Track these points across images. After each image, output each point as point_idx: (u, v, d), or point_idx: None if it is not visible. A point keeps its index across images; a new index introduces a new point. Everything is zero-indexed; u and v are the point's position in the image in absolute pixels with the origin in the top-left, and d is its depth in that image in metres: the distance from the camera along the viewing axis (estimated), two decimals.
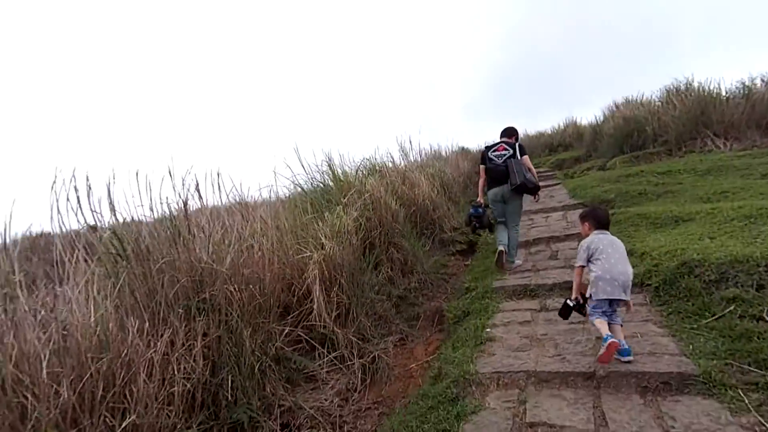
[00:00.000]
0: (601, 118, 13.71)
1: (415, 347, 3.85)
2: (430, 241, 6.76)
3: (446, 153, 11.91)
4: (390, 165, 7.60)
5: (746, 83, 9.31)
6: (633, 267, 3.58)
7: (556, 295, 3.46)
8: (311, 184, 5.59)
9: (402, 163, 8.03)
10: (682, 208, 4.54)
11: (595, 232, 2.61)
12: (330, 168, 5.76)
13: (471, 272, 4.95)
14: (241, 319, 3.10)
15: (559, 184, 9.43)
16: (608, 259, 2.43)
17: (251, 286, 3.33)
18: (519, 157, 4.32)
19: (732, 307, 2.36)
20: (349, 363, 3.59)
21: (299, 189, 5.43)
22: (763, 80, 9.38)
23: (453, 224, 7.30)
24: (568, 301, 2.63)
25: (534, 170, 4.36)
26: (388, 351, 3.81)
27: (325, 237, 4.36)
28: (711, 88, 9.32)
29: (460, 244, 6.70)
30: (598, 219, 2.62)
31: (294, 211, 4.89)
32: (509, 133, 4.62)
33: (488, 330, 3.03)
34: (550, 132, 18.33)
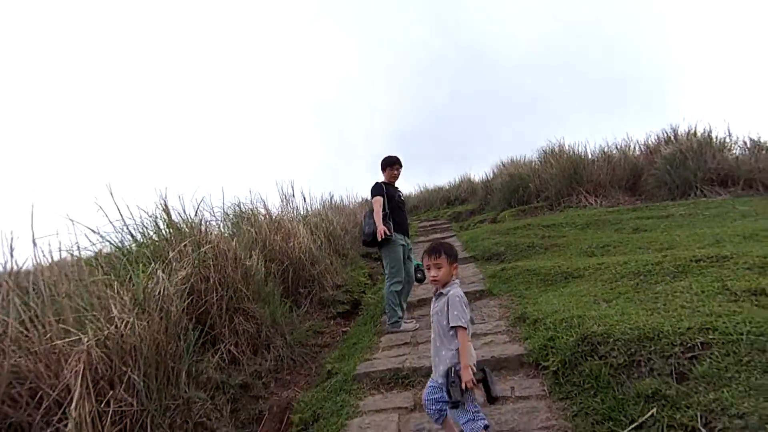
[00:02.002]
0: (491, 175, 14.45)
1: None
2: (307, 301, 5.60)
3: (346, 202, 11.15)
4: (263, 211, 6.45)
5: (605, 149, 10.43)
6: (526, 338, 2.92)
7: None
8: (131, 235, 4.13)
9: (279, 210, 6.93)
10: (570, 262, 4.17)
11: (458, 281, 1.86)
12: (166, 212, 4.38)
13: (342, 345, 3.89)
14: None
15: (454, 236, 9.19)
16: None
17: None
18: None
19: (654, 410, 1.65)
20: None
21: (107, 241, 3.93)
22: (617, 147, 10.61)
23: (336, 281, 6.28)
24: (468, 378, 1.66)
25: (376, 209, 3.67)
26: None
27: (121, 307, 2.99)
28: (579, 150, 10.22)
29: (342, 305, 5.65)
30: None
31: (81, 271, 3.41)
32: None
33: None
34: (447, 187, 18.98)
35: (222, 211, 6.44)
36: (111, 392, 2.50)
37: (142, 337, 2.84)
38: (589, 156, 10.05)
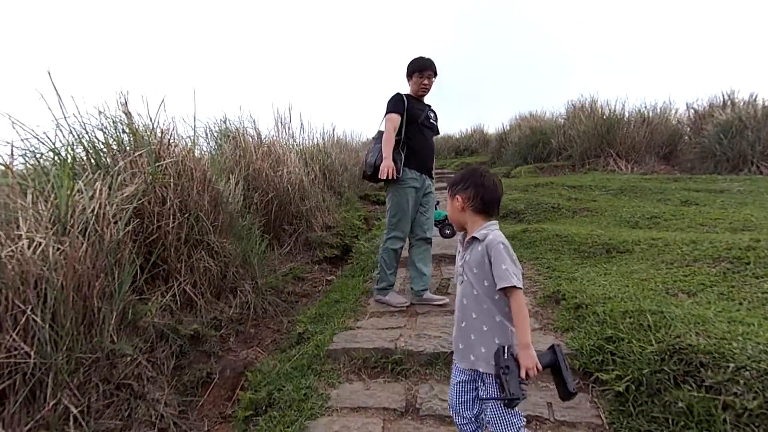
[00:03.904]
0: (508, 127, 13.32)
1: None
2: (291, 240, 4.91)
3: (349, 138, 10.09)
4: (251, 132, 5.53)
5: (642, 110, 9.29)
6: (566, 329, 2.22)
7: (438, 374, 1.86)
8: (78, 138, 3.21)
9: (271, 134, 5.99)
10: (610, 232, 3.39)
11: (495, 223, 1.30)
12: (126, 114, 3.44)
13: (322, 300, 3.21)
14: None
15: None
16: None
17: None
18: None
19: None
20: None
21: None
22: (657, 110, 9.45)
23: (327, 221, 5.55)
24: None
25: (387, 132, 2.62)
26: None
27: (35, 224, 2.26)
28: (616, 108, 9.07)
29: (330, 249, 4.96)
30: (492, 199, 1.31)
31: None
32: None
33: None
34: (457, 136, 17.86)
35: (205, 127, 5.52)
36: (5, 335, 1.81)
37: (57, 266, 2.12)
38: (626, 115, 8.93)
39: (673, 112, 9.28)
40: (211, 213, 3.36)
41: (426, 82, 2.71)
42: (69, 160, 2.93)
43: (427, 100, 2.89)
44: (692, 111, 8.53)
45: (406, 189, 2.64)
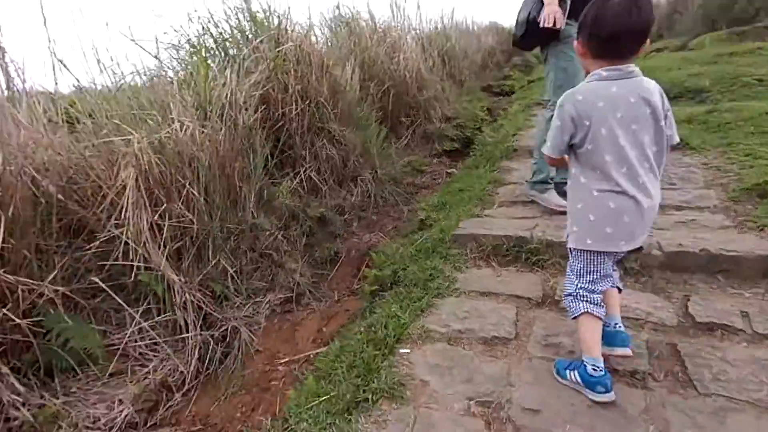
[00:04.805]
0: None
1: (302, 321, 2.16)
2: (408, 133, 4.72)
3: (469, 23, 8.80)
4: (365, 16, 5.10)
5: None
6: None
7: None
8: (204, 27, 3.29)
9: (387, 20, 5.45)
10: None
11: (599, 72, 0.98)
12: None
13: (444, 190, 3.03)
14: None
15: None
16: (617, 156, 0.95)
17: None
18: None
19: None
20: (183, 335, 1.98)
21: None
22: None
23: (447, 112, 5.13)
24: None
25: None
26: (259, 323, 2.14)
27: (182, 109, 2.44)
28: None
29: (450, 141, 4.65)
30: (613, 32, 0.93)
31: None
32: None
33: (398, 367, 1.25)
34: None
35: (319, 15, 5.29)
36: (166, 204, 2.11)
37: (204, 147, 2.32)
38: None
39: None
40: (330, 100, 3.29)
41: None
42: (202, 51, 3.08)
43: None
44: None
45: (573, 48, 2.00)
